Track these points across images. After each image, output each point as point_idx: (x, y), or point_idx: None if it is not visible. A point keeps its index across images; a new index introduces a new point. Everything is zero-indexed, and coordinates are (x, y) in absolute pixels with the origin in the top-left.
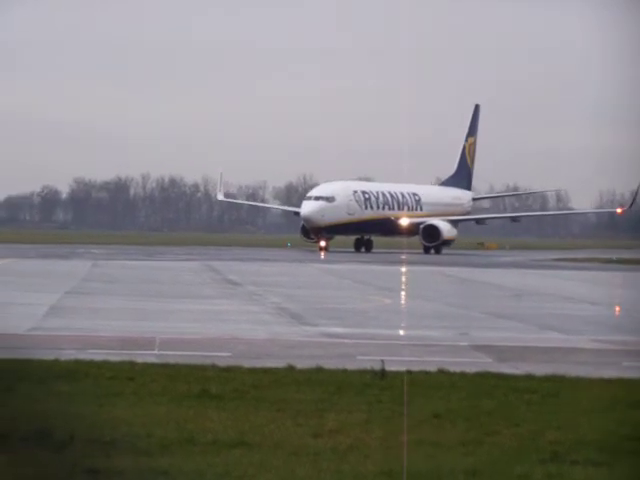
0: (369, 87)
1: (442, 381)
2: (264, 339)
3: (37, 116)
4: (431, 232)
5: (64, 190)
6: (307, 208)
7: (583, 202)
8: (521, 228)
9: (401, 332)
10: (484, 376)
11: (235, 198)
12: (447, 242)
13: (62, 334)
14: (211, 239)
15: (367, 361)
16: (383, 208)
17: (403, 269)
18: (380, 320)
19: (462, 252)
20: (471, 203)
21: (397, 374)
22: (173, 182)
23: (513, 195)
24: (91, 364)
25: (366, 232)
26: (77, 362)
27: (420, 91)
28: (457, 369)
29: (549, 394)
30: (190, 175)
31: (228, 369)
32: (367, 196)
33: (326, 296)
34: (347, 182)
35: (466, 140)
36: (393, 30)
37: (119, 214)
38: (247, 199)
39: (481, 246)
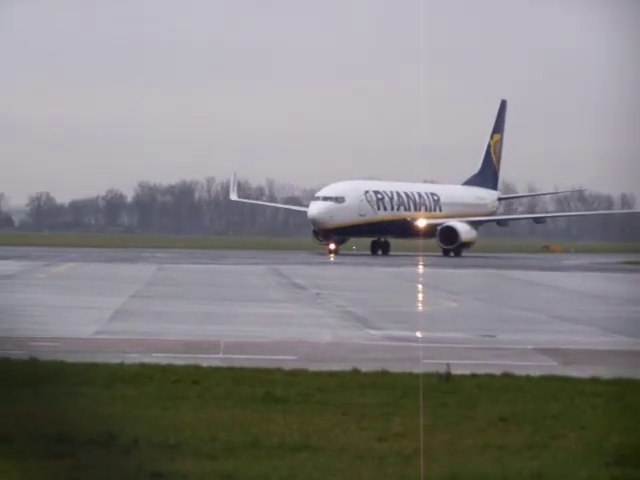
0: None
1: (507, 384)
2: (329, 342)
3: (88, 120)
4: (448, 234)
5: (129, 194)
6: (314, 209)
7: None
8: (586, 231)
9: (466, 335)
10: (549, 379)
11: (301, 203)
12: (465, 244)
13: (127, 338)
14: (276, 243)
15: (432, 364)
16: (398, 209)
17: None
18: (445, 323)
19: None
20: (496, 203)
21: (462, 377)
22: (238, 186)
23: (534, 195)
24: (156, 368)
25: (380, 234)
26: (142, 366)
27: (446, 91)
28: (522, 372)
29: (614, 397)
30: (254, 179)
31: (293, 372)
32: (380, 196)
33: (390, 299)
34: (358, 181)
35: (491, 137)
36: (411, 30)
37: (184, 218)
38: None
39: (546, 249)
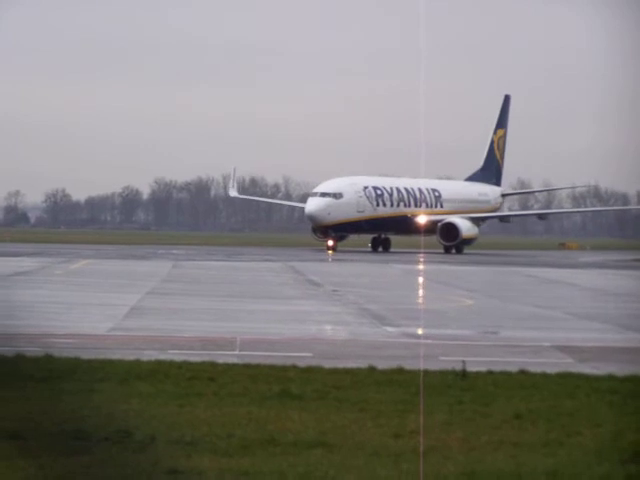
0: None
1: (523, 382)
2: (345, 339)
3: (113, 118)
4: (449, 230)
5: (145, 191)
6: (311, 205)
7: None
8: (602, 228)
9: (483, 332)
10: (565, 377)
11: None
12: (467, 241)
13: (143, 334)
14: (292, 240)
15: (449, 362)
16: (398, 205)
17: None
18: (462, 321)
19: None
20: (500, 199)
21: (478, 375)
22: (254, 182)
23: (541, 191)
24: (172, 364)
25: (379, 231)
26: (158, 362)
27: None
28: (538, 369)
29: (630, 395)
30: (271, 175)
31: (309, 369)
32: (379, 192)
33: (406, 296)
34: (357, 177)
35: (495, 133)
36: (415, 29)
37: (200, 215)
38: None
39: (562, 246)
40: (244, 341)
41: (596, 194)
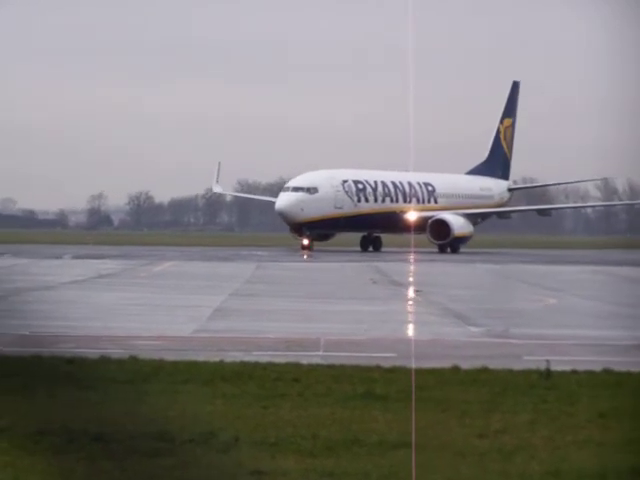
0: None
1: (607, 380)
2: (429, 340)
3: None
4: (440, 228)
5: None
6: (282, 201)
7: None
8: None
9: (566, 331)
10: None
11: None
12: (459, 240)
13: (226, 336)
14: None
15: (533, 361)
16: (383, 200)
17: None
18: (545, 320)
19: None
20: (506, 194)
21: (562, 374)
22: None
23: (546, 186)
24: (256, 366)
25: (362, 228)
26: (242, 364)
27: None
28: (622, 368)
29: None
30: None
31: (393, 370)
32: (361, 186)
33: (489, 296)
34: (336, 170)
35: (501, 122)
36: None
37: None
38: None
39: None
40: (328, 342)
41: None
